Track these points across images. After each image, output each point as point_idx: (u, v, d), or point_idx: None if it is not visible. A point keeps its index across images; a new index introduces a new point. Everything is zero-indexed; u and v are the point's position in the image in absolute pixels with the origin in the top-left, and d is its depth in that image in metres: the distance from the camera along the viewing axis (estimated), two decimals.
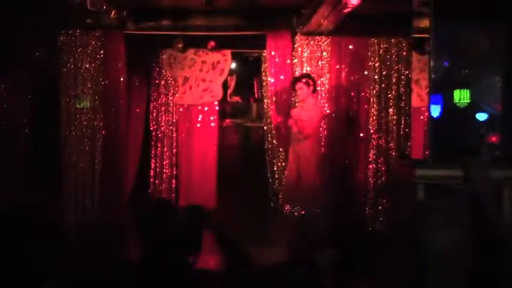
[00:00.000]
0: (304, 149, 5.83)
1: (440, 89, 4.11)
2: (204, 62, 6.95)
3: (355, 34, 6.35)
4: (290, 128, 5.97)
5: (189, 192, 7.03)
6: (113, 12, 5.57)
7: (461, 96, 4.24)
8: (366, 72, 6.44)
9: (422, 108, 6.20)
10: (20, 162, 6.13)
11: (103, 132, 6.32)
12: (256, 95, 8.31)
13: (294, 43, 6.37)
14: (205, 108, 7.04)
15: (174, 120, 7.04)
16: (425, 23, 4.09)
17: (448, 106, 4.19)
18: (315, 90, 5.93)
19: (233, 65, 7.76)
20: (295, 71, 6.37)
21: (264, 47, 6.54)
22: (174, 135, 7.04)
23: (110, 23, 6.01)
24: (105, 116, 6.34)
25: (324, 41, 6.35)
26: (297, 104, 6.13)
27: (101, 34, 6.28)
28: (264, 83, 7.00)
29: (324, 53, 6.37)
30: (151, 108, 7.08)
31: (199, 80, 6.96)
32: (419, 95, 6.41)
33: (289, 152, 6.02)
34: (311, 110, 5.86)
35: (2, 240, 2.05)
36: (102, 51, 6.31)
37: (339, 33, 6.21)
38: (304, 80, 5.86)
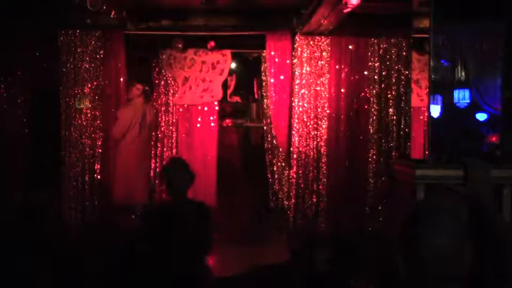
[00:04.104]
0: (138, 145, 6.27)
1: (440, 89, 4.11)
2: (204, 62, 6.95)
3: (355, 34, 6.35)
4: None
5: (189, 192, 7.02)
6: (113, 12, 5.56)
7: (461, 96, 4.24)
8: (366, 72, 6.44)
9: (423, 108, 6.21)
10: (20, 162, 6.13)
11: (103, 132, 6.33)
12: (256, 95, 8.31)
13: (294, 43, 6.37)
14: (205, 108, 7.04)
15: (174, 120, 7.04)
16: (425, 23, 4.10)
17: (448, 106, 4.18)
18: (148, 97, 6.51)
19: (233, 65, 7.76)
20: (295, 71, 6.37)
21: (264, 47, 6.54)
22: (174, 135, 7.04)
23: (110, 23, 6.01)
24: (105, 116, 6.34)
25: (324, 41, 6.35)
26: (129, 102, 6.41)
27: (101, 34, 6.29)
28: (264, 83, 7.00)
29: (324, 53, 6.37)
30: None
31: (199, 80, 6.96)
32: (419, 95, 6.42)
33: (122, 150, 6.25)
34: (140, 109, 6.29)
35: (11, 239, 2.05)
36: (102, 51, 6.31)
37: (339, 33, 6.21)
38: (138, 86, 6.33)
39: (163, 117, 7.01)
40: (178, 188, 3.35)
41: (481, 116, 4.23)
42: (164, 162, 7.00)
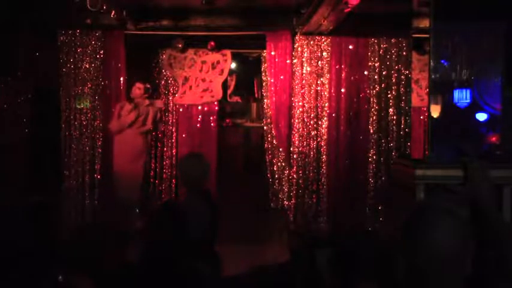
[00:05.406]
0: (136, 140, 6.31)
1: (440, 89, 4.11)
2: (204, 62, 6.95)
3: (355, 34, 6.35)
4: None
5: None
6: (113, 12, 5.56)
7: (461, 96, 4.24)
8: (366, 72, 6.44)
9: (423, 108, 6.20)
10: (20, 162, 6.13)
11: (103, 132, 6.33)
12: (256, 95, 8.32)
13: (294, 43, 6.38)
14: (205, 108, 7.05)
15: (174, 120, 7.04)
16: (425, 23, 4.09)
17: (448, 106, 4.18)
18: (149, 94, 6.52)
19: (233, 65, 7.76)
20: (295, 71, 6.37)
21: (264, 47, 6.54)
22: (174, 135, 7.04)
23: (110, 23, 6.02)
24: (105, 116, 6.35)
25: (324, 41, 6.36)
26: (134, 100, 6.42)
27: (101, 34, 6.30)
28: (264, 83, 7.00)
29: (324, 53, 6.37)
30: None
31: (199, 80, 6.96)
32: (419, 95, 6.41)
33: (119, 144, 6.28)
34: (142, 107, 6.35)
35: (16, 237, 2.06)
36: (102, 51, 6.32)
37: (339, 33, 6.21)
38: (139, 85, 6.34)
39: (163, 117, 7.02)
40: (189, 180, 3.62)
41: (481, 116, 4.23)
42: (164, 163, 7.04)
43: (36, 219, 2.21)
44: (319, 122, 6.39)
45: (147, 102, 6.41)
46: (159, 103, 6.62)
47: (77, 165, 6.30)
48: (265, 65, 6.75)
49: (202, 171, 3.65)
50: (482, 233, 1.65)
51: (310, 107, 6.37)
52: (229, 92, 8.44)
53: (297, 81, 6.37)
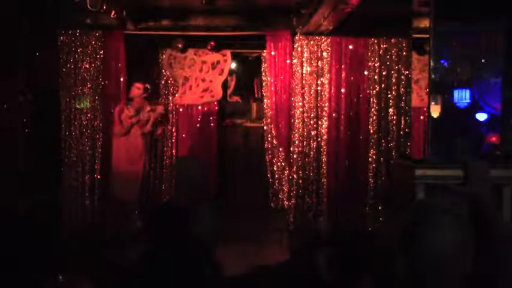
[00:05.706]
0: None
1: (440, 89, 4.12)
2: (204, 62, 6.96)
3: (355, 34, 6.35)
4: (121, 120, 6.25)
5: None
6: (113, 12, 5.56)
7: (461, 96, 4.25)
8: (366, 72, 6.44)
9: (423, 108, 6.21)
10: (19, 162, 6.13)
11: (103, 132, 6.33)
12: (256, 95, 8.32)
13: (294, 43, 6.37)
14: (205, 108, 7.05)
15: (174, 120, 7.05)
16: (425, 23, 4.09)
17: (448, 106, 4.19)
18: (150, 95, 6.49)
19: (233, 65, 7.76)
20: (295, 71, 6.37)
21: (264, 47, 6.54)
22: (174, 135, 7.04)
23: (110, 23, 6.02)
24: (105, 116, 6.34)
25: (324, 41, 6.35)
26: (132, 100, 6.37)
27: (101, 34, 6.30)
28: (264, 83, 7.00)
29: (324, 53, 6.36)
30: None
31: (199, 80, 6.97)
32: (419, 95, 6.42)
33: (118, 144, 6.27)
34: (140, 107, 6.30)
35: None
36: (102, 51, 6.32)
37: (339, 33, 6.21)
38: (138, 85, 6.29)
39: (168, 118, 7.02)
40: (186, 186, 3.50)
41: (481, 116, 4.24)
42: (164, 163, 7.04)
43: (36, 218, 2.21)
44: (319, 122, 6.39)
45: (148, 108, 6.35)
46: (160, 108, 6.59)
47: (77, 165, 6.30)
48: (265, 65, 6.76)
49: (201, 174, 3.56)
50: (481, 233, 1.65)
51: (310, 107, 6.37)
52: (229, 92, 8.43)
53: (297, 81, 6.36)
